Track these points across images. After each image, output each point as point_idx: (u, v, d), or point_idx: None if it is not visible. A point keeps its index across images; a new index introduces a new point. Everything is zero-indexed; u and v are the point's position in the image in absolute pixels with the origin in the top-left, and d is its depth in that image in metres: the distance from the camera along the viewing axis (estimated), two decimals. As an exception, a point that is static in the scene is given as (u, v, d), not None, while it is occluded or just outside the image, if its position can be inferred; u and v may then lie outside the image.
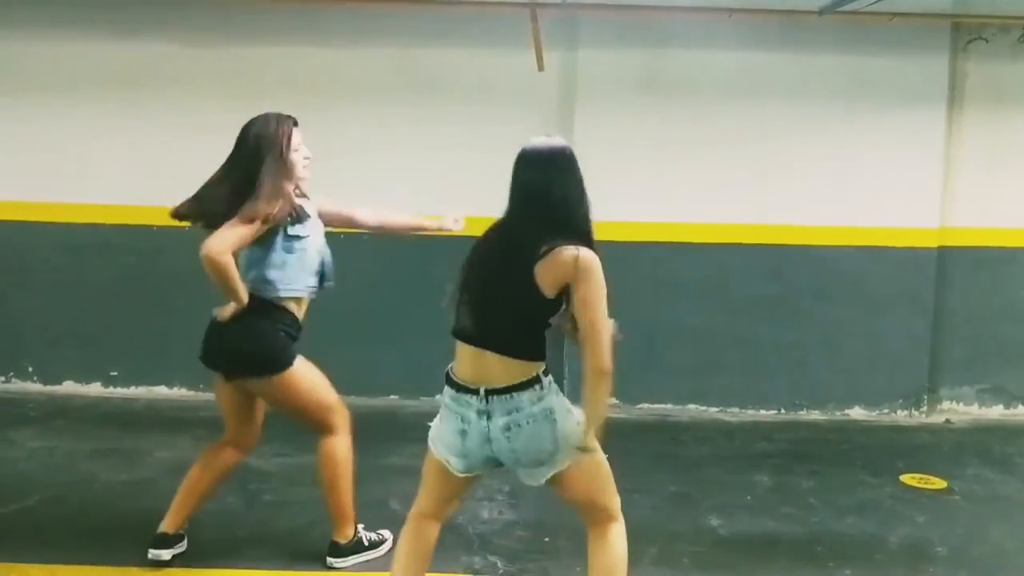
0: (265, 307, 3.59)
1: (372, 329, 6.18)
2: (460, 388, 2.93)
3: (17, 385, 6.31)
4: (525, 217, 2.90)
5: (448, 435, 2.97)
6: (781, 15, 5.94)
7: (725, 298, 6.29)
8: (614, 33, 6.08)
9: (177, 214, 3.57)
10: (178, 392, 6.25)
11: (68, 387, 6.31)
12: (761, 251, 6.26)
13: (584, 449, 2.88)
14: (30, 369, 6.33)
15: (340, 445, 3.78)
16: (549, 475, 2.93)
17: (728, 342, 6.33)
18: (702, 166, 6.18)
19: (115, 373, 6.32)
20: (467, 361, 2.94)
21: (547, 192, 2.89)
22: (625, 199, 6.14)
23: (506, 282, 2.86)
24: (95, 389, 6.31)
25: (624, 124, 6.17)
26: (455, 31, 6.11)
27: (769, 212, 6.23)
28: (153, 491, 4.54)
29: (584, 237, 2.87)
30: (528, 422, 2.86)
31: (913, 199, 6.24)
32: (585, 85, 6.12)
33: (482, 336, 2.90)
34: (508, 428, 2.86)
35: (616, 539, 3.05)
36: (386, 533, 3.94)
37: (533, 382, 2.87)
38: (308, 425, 3.78)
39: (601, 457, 3.01)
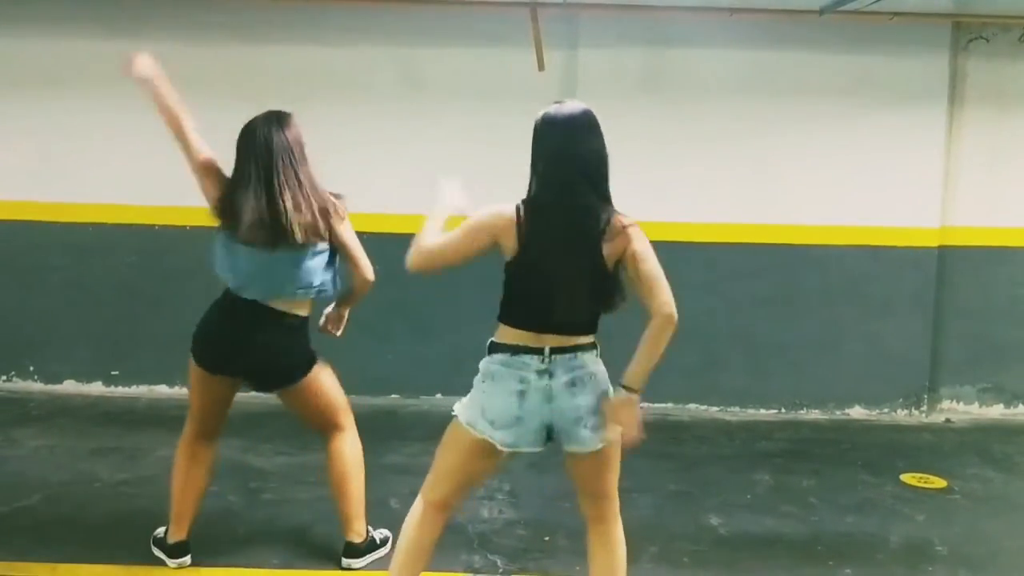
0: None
1: (372, 329, 6.17)
2: (517, 350, 2.88)
3: (18, 384, 6.32)
4: (566, 182, 2.88)
5: (499, 402, 2.89)
6: (782, 14, 5.94)
7: (725, 297, 6.29)
8: (615, 32, 6.09)
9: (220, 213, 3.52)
10: (179, 391, 6.25)
11: (69, 386, 6.31)
12: (761, 250, 6.26)
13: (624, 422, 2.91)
14: (31, 368, 6.33)
15: (349, 442, 3.77)
16: (603, 443, 2.93)
17: (728, 341, 6.34)
18: (703, 165, 6.18)
19: (116, 372, 6.33)
20: (526, 336, 2.90)
21: (579, 152, 2.91)
22: (625, 198, 6.10)
23: (586, 260, 2.87)
24: (96, 388, 6.32)
25: (625, 123, 6.13)
26: (456, 30, 6.11)
27: (770, 211, 6.23)
28: (154, 490, 4.54)
29: (609, 199, 2.99)
30: (591, 378, 2.91)
31: (914, 198, 6.24)
32: (586, 84, 6.11)
33: (556, 324, 2.88)
34: (573, 384, 2.88)
35: (621, 537, 3.09)
36: (385, 531, 3.93)
37: (593, 345, 2.96)
38: (319, 424, 3.76)
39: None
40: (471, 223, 2.95)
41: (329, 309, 3.86)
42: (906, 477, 5.15)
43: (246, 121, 3.63)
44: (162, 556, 3.77)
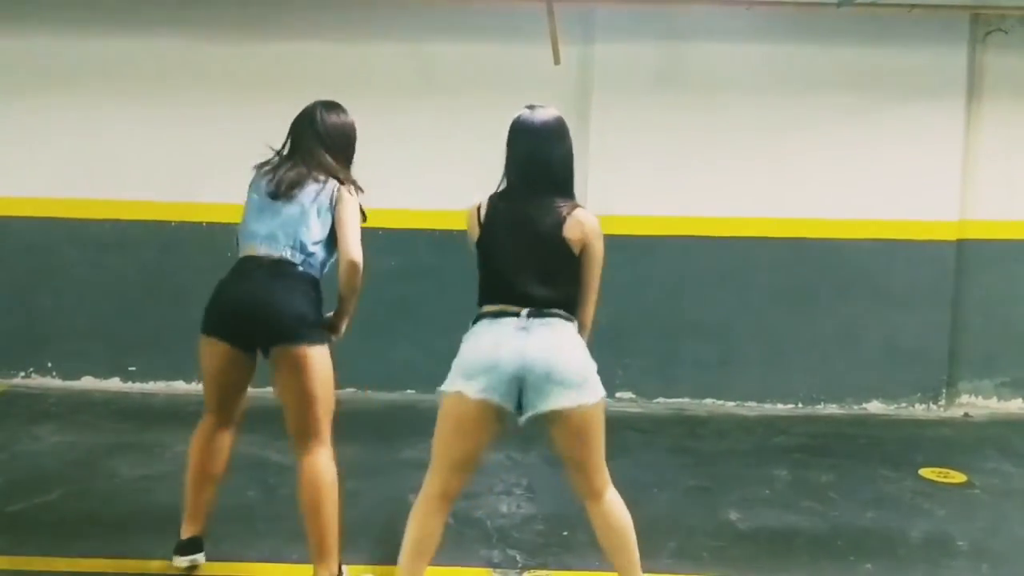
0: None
1: (389, 323, 6.19)
2: (498, 314, 3.08)
3: (37, 380, 6.35)
4: (537, 182, 3.15)
5: (476, 353, 3.04)
6: (799, 7, 5.92)
7: (742, 292, 6.27)
8: (631, 26, 6.07)
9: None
10: (196, 387, 6.20)
11: (87, 382, 6.34)
12: (779, 244, 6.24)
13: None
14: (49, 364, 6.36)
15: (326, 459, 3.46)
16: (575, 403, 2.98)
17: (746, 336, 6.32)
18: (719, 159, 6.16)
19: (134, 368, 6.35)
20: (504, 306, 3.10)
21: (552, 156, 3.17)
22: (642, 192, 6.15)
23: (542, 242, 3.08)
24: (114, 384, 6.35)
25: (641, 117, 6.15)
26: (472, 25, 6.10)
27: (787, 205, 6.21)
28: (173, 485, 4.53)
29: (573, 196, 3.21)
30: (567, 339, 3.05)
31: (932, 192, 6.21)
32: (602, 78, 6.11)
33: (523, 297, 3.07)
34: (547, 340, 3.01)
35: (619, 505, 3.13)
36: None
37: (568, 318, 3.11)
38: (305, 422, 3.47)
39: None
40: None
41: (330, 315, 3.67)
42: (925, 472, 5.12)
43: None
44: (181, 561, 3.63)
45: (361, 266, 3.47)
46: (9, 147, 6.23)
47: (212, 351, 3.52)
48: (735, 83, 6.14)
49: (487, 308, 3.13)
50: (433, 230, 6.12)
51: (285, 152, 3.65)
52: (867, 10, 5.84)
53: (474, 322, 3.15)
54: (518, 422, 3.09)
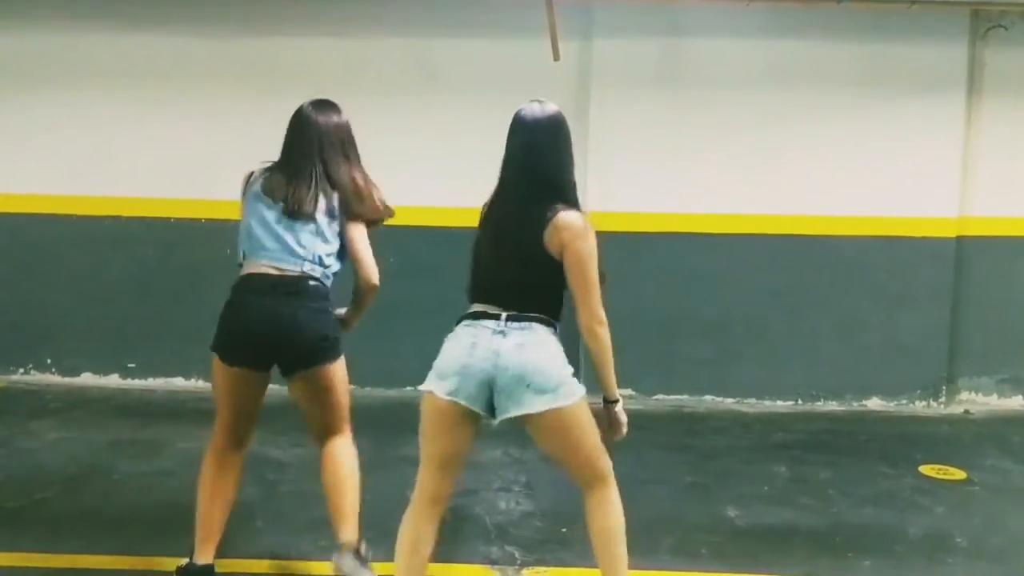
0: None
1: (389, 320, 6.16)
2: (478, 316, 3.06)
3: (36, 376, 6.35)
4: (524, 183, 3.08)
5: (450, 354, 3.03)
6: (800, 2, 5.91)
7: (742, 288, 6.27)
8: (630, 22, 6.06)
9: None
10: (195, 384, 6.27)
11: (86, 379, 6.34)
12: (778, 241, 6.23)
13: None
14: (48, 360, 6.36)
15: (348, 446, 3.57)
16: (548, 407, 2.95)
17: (744, 333, 6.31)
18: (719, 155, 6.15)
19: (133, 365, 6.35)
20: (486, 306, 3.08)
21: (543, 157, 3.09)
22: (641, 189, 6.14)
23: (520, 249, 3.04)
24: (113, 380, 6.34)
25: (640, 114, 6.15)
26: (471, 21, 6.09)
27: (786, 202, 6.20)
28: (172, 482, 4.57)
29: (574, 204, 3.07)
30: (543, 345, 3.00)
31: (932, 188, 6.20)
32: (601, 74, 6.10)
33: (503, 300, 3.05)
34: (522, 345, 2.98)
35: (614, 500, 3.11)
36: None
37: (549, 323, 3.06)
38: (328, 424, 3.55)
39: (592, 420, 3.08)
40: None
41: (342, 311, 3.70)
42: (925, 469, 5.12)
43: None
44: None
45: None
46: (7, 144, 6.23)
47: (229, 374, 3.44)
48: (734, 79, 6.13)
49: (470, 309, 3.12)
50: (432, 227, 6.11)
51: (284, 159, 3.56)
52: (867, 6, 5.84)
53: (457, 322, 3.14)
54: (492, 424, 3.07)
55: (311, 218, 3.45)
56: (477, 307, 3.09)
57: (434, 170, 6.08)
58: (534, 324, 3.01)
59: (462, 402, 2.99)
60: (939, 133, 6.18)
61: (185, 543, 3.80)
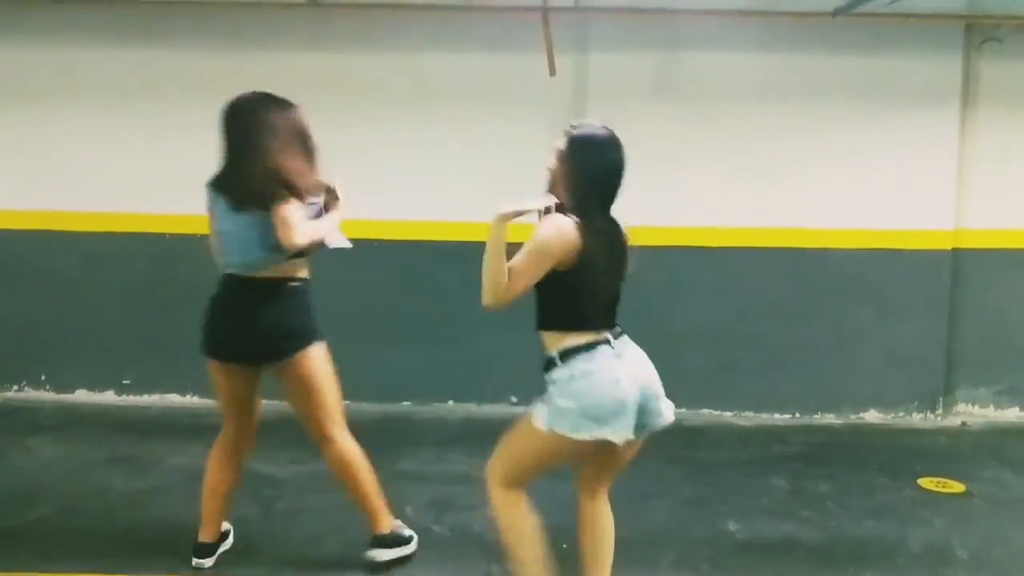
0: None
1: (383, 335, 6.17)
2: (591, 346, 3.03)
3: (30, 393, 6.32)
4: (610, 199, 3.29)
5: (601, 396, 2.96)
6: (795, 16, 5.93)
7: (739, 301, 6.27)
8: (626, 36, 6.07)
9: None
10: (191, 400, 6.24)
11: (81, 395, 6.31)
12: (774, 254, 6.23)
13: None
14: (43, 377, 6.33)
15: (348, 442, 3.74)
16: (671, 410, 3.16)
17: (742, 345, 6.31)
18: (715, 169, 6.16)
19: (128, 381, 6.32)
20: (591, 335, 3.09)
21: (620, 176, 3.29)
22: (638, 202, 6.07)
23: (624, 265, 3.32)
24: (108, 397, 6.31)
25: (637, 127, 6.04)
26: (467, 36, 6.10)
27: (783, 215, 6.20)
28: (169, 498, 4.54)
29: None
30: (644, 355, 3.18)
31: (927, 201, 6.21)
32: (597, 88, 6.10)
33: (607, 321, 3.18)
34: (644, 360, 3.13)
35: (608, 509, 3.37)
36: (409, 531, 3.99)
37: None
38: (319, 416, 3.67)
39: None
40: (540, 249, 3.00)
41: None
42: (924, 481, 5.11)
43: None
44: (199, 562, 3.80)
45: (296, 244, 3.41)
46: (1, 159, 6.20)
47: (217, 368, 3.66)
48: (730, 92, 6.14)
49: (576, 340, 3.03)
50: (428, 241, 6.11)
51: (225, 156, 3.67)
52: (862, 20, 5.85)
53: (564, 357, 3.02)
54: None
55: (249, 211, 3.50)
56: (580, 339, 3.04)
57: (430, 184, 6.07)
58: (624, 335, 3.15)
59: (631, 437, 3.03)
60: (934, 145, 6.19)
61: (182, 560, 3.80)
